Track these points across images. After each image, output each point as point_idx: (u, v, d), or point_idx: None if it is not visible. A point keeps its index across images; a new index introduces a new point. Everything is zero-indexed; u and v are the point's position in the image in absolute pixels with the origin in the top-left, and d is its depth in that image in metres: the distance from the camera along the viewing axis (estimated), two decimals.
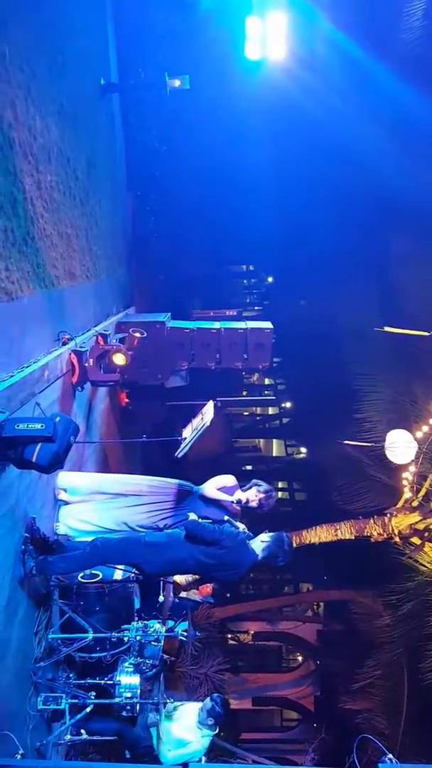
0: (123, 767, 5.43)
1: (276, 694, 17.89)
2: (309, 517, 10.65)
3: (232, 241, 16.83)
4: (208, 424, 6.35)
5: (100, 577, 4.98)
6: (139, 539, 4.74)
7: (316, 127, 12.99)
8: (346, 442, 9.08)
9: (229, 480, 5.39)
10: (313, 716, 16.65)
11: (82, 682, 4.92)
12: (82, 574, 4.90)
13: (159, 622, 5.14)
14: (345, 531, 8.93)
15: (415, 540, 8.49)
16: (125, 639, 4.89)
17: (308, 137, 13.60)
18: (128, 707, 4.84)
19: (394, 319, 9.77)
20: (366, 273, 12.25)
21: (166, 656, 5.29)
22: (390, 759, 2.88)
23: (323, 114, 12.47)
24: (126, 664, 4.91)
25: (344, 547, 9.35)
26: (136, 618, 5.07)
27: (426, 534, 8.40)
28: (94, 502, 5.40)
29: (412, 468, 8.16)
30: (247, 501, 5.19)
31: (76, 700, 4.80)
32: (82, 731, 4.98)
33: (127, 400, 9.85)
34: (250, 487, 5.25)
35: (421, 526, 8.42)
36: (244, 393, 22.61)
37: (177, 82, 10.54)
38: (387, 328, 8.19)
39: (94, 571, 4.92)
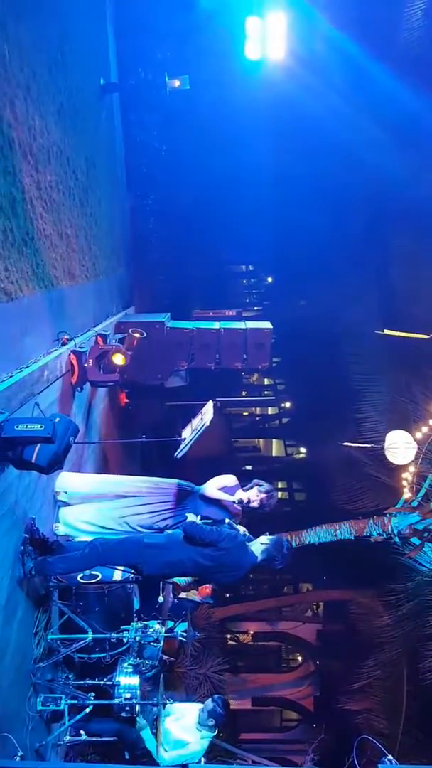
0: None
1: (275, 695, 17.89)
2: (308, 517, 10.63)
3: (231, 241, 16.81)
4: (207, 424, 6.34)
5: (100, 577, 4.96)
6: (139, 540, 4.74)
7: (316, 127, 12.99)
8: (346, 444, 9.08)
9: (230, 480, 5.38)
10: (313, 716, 16.65)
11: (82, 682, 4.91)
12: (81, 575, 4.89)
13: (158, 623, 5.13)
14: (344, 531, 8.92)
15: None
16: (125, 640, 4.88)
17: (308, 137, 13.59)
18: (127, 708, 4.83)
19: (394, 319, 9.78)
20: (365, 273, 12.26)
21: (165, 657, 5.28)
22: (389, 760, 2.88)
23: (323, 114, 12.47)
24: (125, 664, 4.90)
25: (344, 547, 9.34)
26: (136, 619, 5.06)
27: (425, 534, 8.40)
28: (94, 502, 5.39)
29: (412, 468, 8.15)
30: (249, 501, 5.18)
31: (76, 701, 4.79)
32: (82, 732, 4.97)
33: (126, 401, 9.84)
34: (251, 487, 5.24)
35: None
36: (244, 393, 22.58)
37: (177, 82, 10.55)
38: (386, 332, 8.19)
39: (93, 572, 4.91)
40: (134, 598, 5.21)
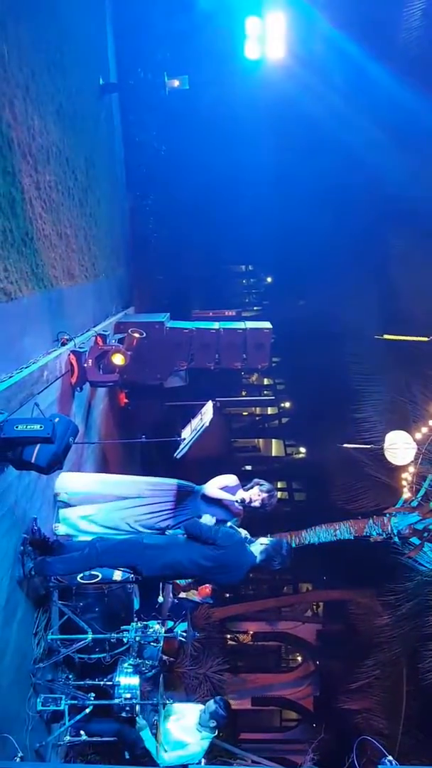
0: None
1: (275, 695, 17.89)
2: (308, 517, 10.63)
3: (231, 241, 16.82)
4: (207, 424, 6.34)
5: (100, 578, 4.96)
6: (138, 541, 4.73)
7: (315, 127, 12.99)
8: (346, 445, 9.08)
9: (231, 480, 5.37)
10: (313, 716, 16.66)
11: (82, 683, 4.91)
12: (81, 575, 4.89)
13: (158, 623, 5.13)
14: (344, 531, 8.93)
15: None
16: (124, 640, 4.88)
17: (307, 137, 13.60)
18: (127, 708, 4.83)
19: (393, 320, 9.78)
20: (365, 273, 12.25)
21: (165, 657, 5.28)
22: (389, 761, 2.88)
23: (322, 113, 12.47)
24: (125, 664, 4.90)
25: (343, 547, 9.35)
26: (136, 619, 5.06)
27: (425, 534, 8.40)
28: (94, 503, 5.38)
29: (411, 468, 8.15)
30: (250, 500, 5.17)
31: (76, 701, 4.79)
32: (82, 732, 4.97)
33: (126, 401, 9.84)
34: (252, 487, 5.23)
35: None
36: (244, 393, 22.58)
37: (176, 82, 10.54)
38: (386, 336, 8.19)
39: (93, 572, 4.91)
40: (134, 598, 5.21)
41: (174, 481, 5.48)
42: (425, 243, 10.76)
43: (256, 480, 5.27)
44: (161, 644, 5.07)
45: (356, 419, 9.79)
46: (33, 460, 3.89)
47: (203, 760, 5.14)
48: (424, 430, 8.12)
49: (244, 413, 25.94)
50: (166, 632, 5.09)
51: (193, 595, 7.24)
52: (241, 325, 9.74)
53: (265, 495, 5.15)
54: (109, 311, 9.28)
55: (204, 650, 8.93)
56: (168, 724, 5.15)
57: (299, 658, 19.34)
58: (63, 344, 6.06)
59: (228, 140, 14.09)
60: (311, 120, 12.93)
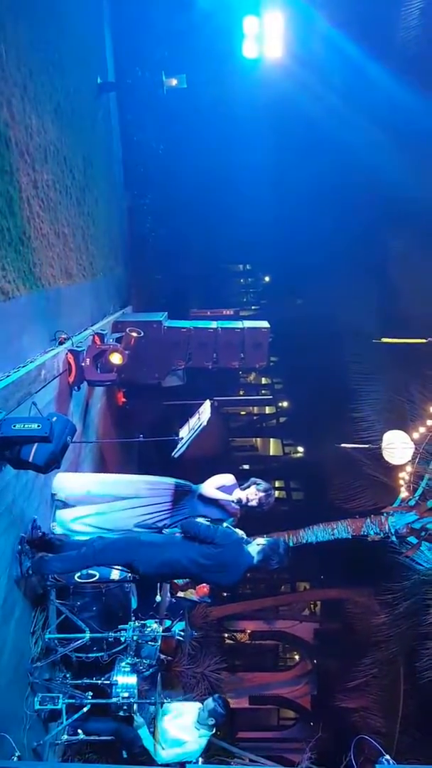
0: None
1: (273, 693, 17.90)
2: (306, 516, 10.65)
3: (229, 240, 16.81)
4: (205, 423, 6.34)
5: (97, 577, 4.97)
6: (135, 539, 4.74)
7: (314, 126, 12.99)
8: (344, 445, 9.09)
9: (227, 479, 5.38)
10: (310, 715, 16.68)
11: (79, 682, 4.91)
12: (78, 574, 4.89)
13: (156, 622, 5.13)
14: (342, 530, 8.93)
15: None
16: (122, 639, 4.89)
17: (306, 136, 13.60)
18: (125, 707, 4.84)
19: (392, 320, 9.79)
20: (363, 272, 12.26)
21: (163, 656, 5.28)
22: (387, 760, 2.89)
23: (321, 112, 12.47)
24: (123, 663, 4.91)
25: (341, 546, 9.36)
26: (133, 618, 5.06)
27: (422, 533, 8.41)
28: (92, 503, 5.38)
29: (409, 468, 8.16)
30: (247, 500, 5.17)
31: (73, 700, 4.80)
32: (79, 731, 4.97)
33: (124, 400, 9.84)
34: (248, 486, 5.23)
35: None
36: (241, 392, 22.59)
37: (174, 81, 10.54)
38: (384, 340, 8.19)
39: (90, 571, 4.91)
40: (132, 597, 5.21)
41: (172, 481, 5.49)
42: (424, 243, 10.77)
43: (253, 479, 5.27)
44: (159, 643, 5.07)
45: (354, 419, 9.80)
46: (30, 459, 3.89)
47: (201, 759, 5.15)
48: (422, 429, 8.13)
49: (242, 412, 25.94)
50: (163, 631, 5.09)
51: (191, 594, 7.24)
52: (239, 324, 9.74)
53: (262, 494, 5.15)
54: (106, 310, 9.27)
55: (202, 649, 8.94)
56: (166, 723, 5.16)
57: (297, 657, 19.35)
58: (61, 343, 6.06)
59: (226, 139, 14.09)
60: (309, 119, 12.93)
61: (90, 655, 4.88)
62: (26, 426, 3.85)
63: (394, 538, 8.60)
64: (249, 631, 18.57)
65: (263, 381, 24.36)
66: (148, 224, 13.10)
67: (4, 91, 4.74)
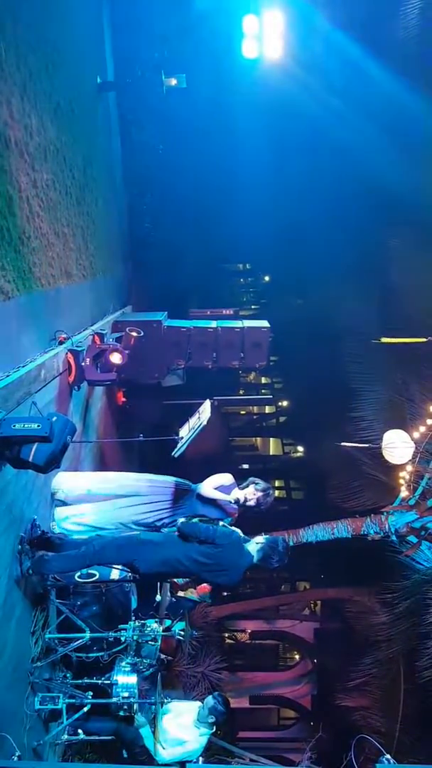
0: None
1: (273, 693, 17.91)
2: (306, 515, 10.64)
3: (229, 239, 16.79)
4: (205, 423, 6.34)
5: (97, 576, 4.97)
6: (135, 538, 4.74)
7: (314, 126, 12.98)
8: (343, 444, 9.07)
9: (226, 479, 5.38)
10: (311, 715, 16.68)
11: (79, 681, 4.91)
12: (78, 574, 4.89)
13: (156, 622, 5.14)
14: (342, 529, 8.92)
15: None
16: (122, 638, 4.89)
17: (305, 135, 13.59)
18: (125, 707, 4.84)
19: (392, 320, 9.78)
20: (363, 272, 12.25)
21: (163, 655, 5.29)
22: (387, 759, 2.89)
23: (320, 112, 12.46)
24: (123, 663, 4.91)
25: (341, 545, 9.35)
26: (134, 617, 5.06)
27: (422, 532, 8.41)
28: (91, 501, 5.39)
29: (409, 467, 8.15)
30: (245, 500, 5.17)
31: (74, 700, 4.80)
32: (80, 731, 4.97)
33: (124, 400, 9.83)
34: (247, 486, 5.23)
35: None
36: (241, 392, 22.57)
37: (173, 81, 10.54)
38: (384, 340, 8.17)
39: (90, 571, 4.91)
40: (132, 597, 5.22)
41: (171, 479, 5.49)
42: (424, 242, 10.76)
43: (251, 479, 5.27)
44: (159, 643, 5.08)
45: (354, 418, 9.79)
46: (30, 459, 3.89)
47: (201, 758, 5.15)
48: (422, 428, 8.12)
49: (242, 412, 25.94)
50: (163, 631, 5.09)
51: (191, 594, 7.24)
52: (238, 323, 9.74)
53: (260, 494, 5.15)
54: (106, 310, 9.27)
55: (202, 649, 8.94)
56: (166, 722, 5.16)
57: (297, 657, 19.35)
58: (60, 343, 6.06)
59: (226, 139, 14.08)
60: (309, 118, 12.92)
61: (90, 654, 4.89)
62: (26, 426, 3.85)
63: (394, 538, 8.59)
64: (249, 631, 18.56)
65: (263, 380, 24.35)
66: (147, 224, 13.10)
67: (3, 90, 4.74)
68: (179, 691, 8.07)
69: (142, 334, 7.75)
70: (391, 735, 8.81)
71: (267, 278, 23.71)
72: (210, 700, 5.11)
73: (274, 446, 25.05)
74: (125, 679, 4.84)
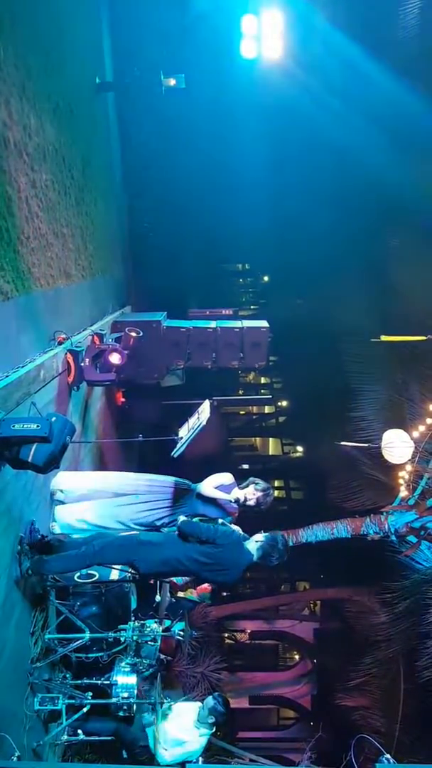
0: None
1: (273, 693, 17.90)
2: (305, 515, 10.64)
3: (228, 239, 16.80)
4: (204, 423, 6.34)
5: (97, 577, 4.97)
6: (134, 538, 4.74)
7: (313, 126, 12.97)
8: (343, 443, 9.07)
9: (226, 478, 5.38)
10: (310, 715, 16.67)
11: (79, 682, 4.91)
12: (78, 574, 4.89)
13: (156, 622, 5.14)
14: (341, 529, 8.92)
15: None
16: (122, 639, 4.89)
17: (305, 135, 13.58)
18: (125, 707, 4.84)
19: (391, 319, 9.78)
20: (363, 272, 12.25)
21: (162, 656, 5.28)
22: (387, 759, 2.89)
23: (319, 112, 12.46)
24: (123, 663, 4.91)
25: (341, 545, 9.35)
26: (133, 618, 5.06)
27: (422, 532, 8.41)
28: (91, 501, 5.39)
29: (409, 467, 8.15)
30: (245, 499, 5.18)
31: (73, 701, 4.79)
32: (79, 731, 4.97)
33: (123, 400, 9.83)
34: (247, 485, 5.24)
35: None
36: (241, 392, 22.58)
37: (172, 81, 10.52)
38: (384, 337, 8.17)
39: (90, 572, 4.91)
40: (131, 597, 5.21)
41: (171, 479, 5.49)
42: (423, 242, 10.76)
43: (251, 479, 5.28)
44: (159, 643, 5.08)
45: (353, 418, 9.79)
46: (30, 460, 3.89)
47: (201, 758, 5.15)
48: (422, 428, 8.12)
49: (241, 412, 25.95)
50: (163, 631, 5.09)
51: (191, 594, 7.24)
52: (238, 323, 9.74)
53: (260, 493, 5.16)
54: (105, 310, 9.27)
55: (201, 649, 8.92)
56: (166, 723, 5.16)
57: (296, 657, 19.35)
58: (60, 343, 6.05)
59: (225, 139, 14.07)
60: (307, 118, 12.92)
61: (90, 655, 4.88)
62: (25, 426, 3.84)
63: (393, 537, 8.59)
64: (249, 631, 18.56)
65: (262, 380, 24.36)
66: (146, 224, 13.11)
67: (2, 90, 4.74)
68: (179, 691, 8.06)
69: (141, 334, 7.75)
70: (390, 735, 8.80)
71: (266, 278, 23.71)
72: (210, 701, 5.12)
73: (273, 446, 25.05)
74: (125, 679, 4.84)
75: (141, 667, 4.97)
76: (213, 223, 15.33)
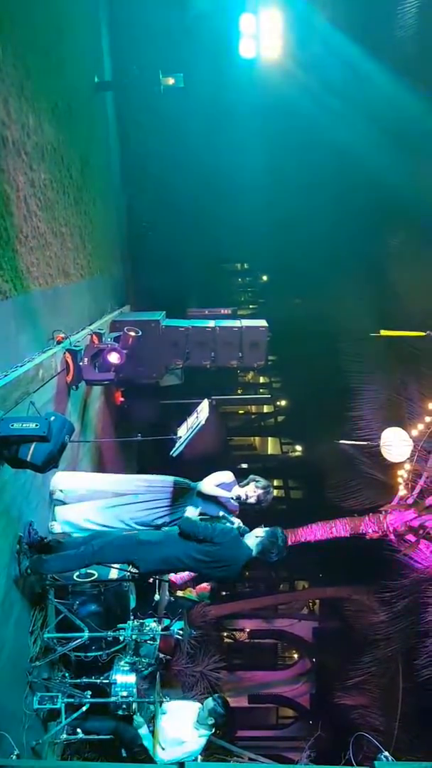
0: (119, 767, 5.44)
1: (272, 692, 17.92)
2: (304, 514, 10.65)
3: (227, 239, 16.81)
4: (203, 422, 6.33)
5: (96, 576, 4.97)
6: (134, 537, 4.74)
7: (312, 125, 12.97)
8: (342, 441, 9.08)
9: (227, 476, 5.39)
10: (309, 714, 16.69)
11: (78, 681, 4.91)
12: (77, 573, 4.89)
13: (155, 621, 5.13)
14: (340, 528, 8.94)
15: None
16: (121, 638, 4.89)
17: (303, 135, 13.58)
18: (124, 706, 4.84)
19: (390, 317, 9.78)
20: (361, 271, 12.25)
21: (162, 655, 5.29)
22: (386, 756, 2.89)
23: (318, 111, 12.46)
24: (122, 662, 4.91)
25: (340, 544, 9.36)
26: (132, 617, 5.06)
27: (421, 531, 8.42)
28: (90, 501, 5.39)
29: (407, 465, 8.16)
30: (246, 497, 5.19)
31: (72, 700, 4.80)
32: (78, 730, 4.97)
33: (122, 399, 9.83)
34: (247, 483, 5.25)
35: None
36: (239, 391, 22.59)
37: (171, 80, 10.52)
38: (382, 332, 8.17)
39: (89, 571, 4.91)
40: (130, 596, 5.21)
41: (170, 479, 5.49)
42: (422, 242, 10.76)
43: (252, 476, 5.28)
44: (158, 642, 5.07)
45: (352, 417, 9.80)
46: (29, 459, 3.89)
47: (200, 757, 5.15)
48: (420, 426, 8.13)
49: (240, 411, 25.96)
50: (162, 630, 5.10)
51: (190, 593, 7.25)
52: (236, 323, 9.74)
53: (260, 491, 5.17)
54: (104, 309, 9.27)
55: (201, 648, 8.93)
56: (165, 722, 5.16)
57: (295, 656, 19.37)
58: (58, 343, 6.05)
59: (223, 138, 14.07)
60: (306, 117, 12.91)
61: (89, 654, 4.88)
62: (24, 425, 3.84)
63: (392, 536, 8.61)
64: (248, 630, 18.58)
65: (261, 380, 24.37)
66: (145, 223, 13.11)
67: (1, 90, 4.74)
68: (178, 690, 8.07)
69: (140, 333, 7.74)
70: (389, 733, 8.82)
71: (265, 278, 23.72)
72: (210, 702, 5.12)
73: (272, 445, 25.06)
74: (124, 678, 4.84)
75: (140, 666, 4.97)
76: (212, 223, 15.33)
